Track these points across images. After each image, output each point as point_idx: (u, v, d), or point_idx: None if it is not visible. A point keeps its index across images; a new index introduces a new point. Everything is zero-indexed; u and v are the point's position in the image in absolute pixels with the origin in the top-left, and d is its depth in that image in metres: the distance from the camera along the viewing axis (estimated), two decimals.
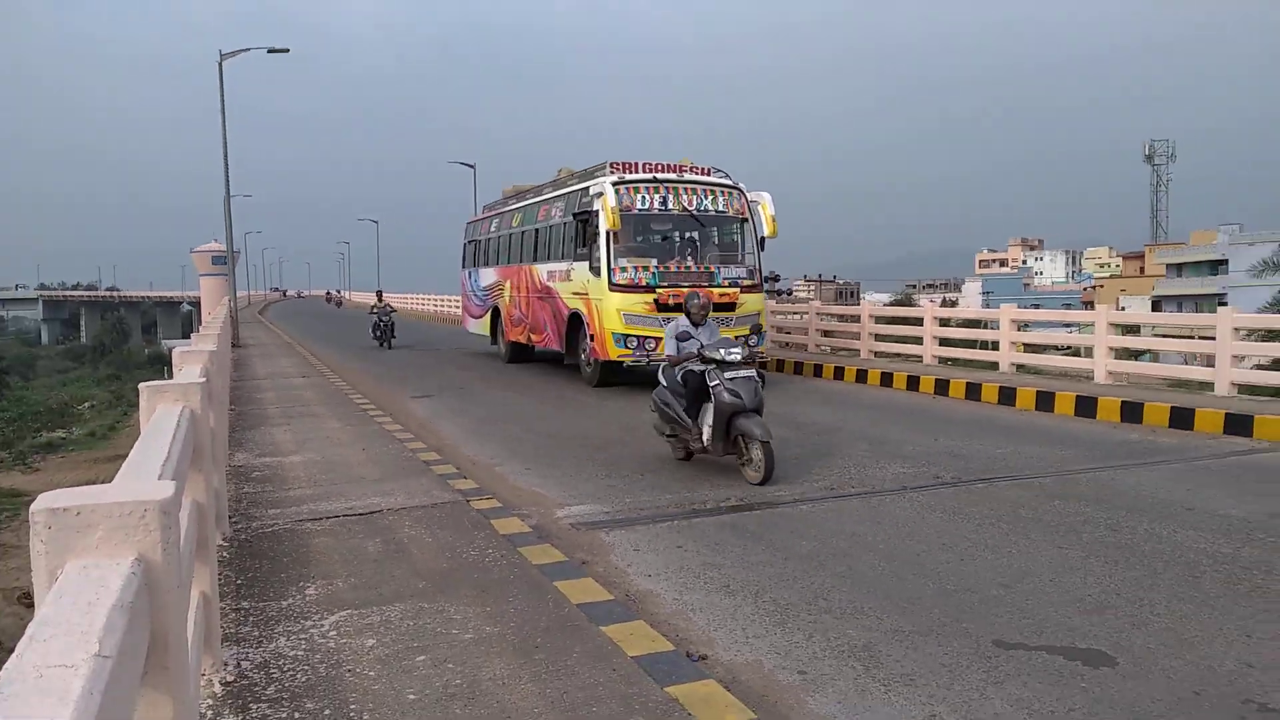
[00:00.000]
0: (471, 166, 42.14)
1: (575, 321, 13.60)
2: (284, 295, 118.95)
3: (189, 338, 11.71)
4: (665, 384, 7.46)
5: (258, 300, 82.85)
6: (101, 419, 28.69)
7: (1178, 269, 59.10)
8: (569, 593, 4.25)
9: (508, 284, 17.00)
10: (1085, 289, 75.72)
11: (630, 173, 13.05)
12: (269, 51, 26.40)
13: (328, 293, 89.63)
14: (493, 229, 18.69)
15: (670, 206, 12.86)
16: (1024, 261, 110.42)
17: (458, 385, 14.26)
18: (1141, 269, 69.55)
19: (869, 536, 5.39)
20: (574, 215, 13.42)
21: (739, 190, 13.37)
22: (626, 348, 12.22)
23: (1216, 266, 53.48)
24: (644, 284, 12.34)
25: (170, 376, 4.89)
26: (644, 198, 12.70)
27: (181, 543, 2.41)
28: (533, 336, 15.80)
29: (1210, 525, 5.48)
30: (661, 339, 11.24)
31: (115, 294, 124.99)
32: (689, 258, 13.01)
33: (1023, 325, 14.06)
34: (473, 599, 4.22)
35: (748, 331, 12.51)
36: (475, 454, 8.16)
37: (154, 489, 1.79)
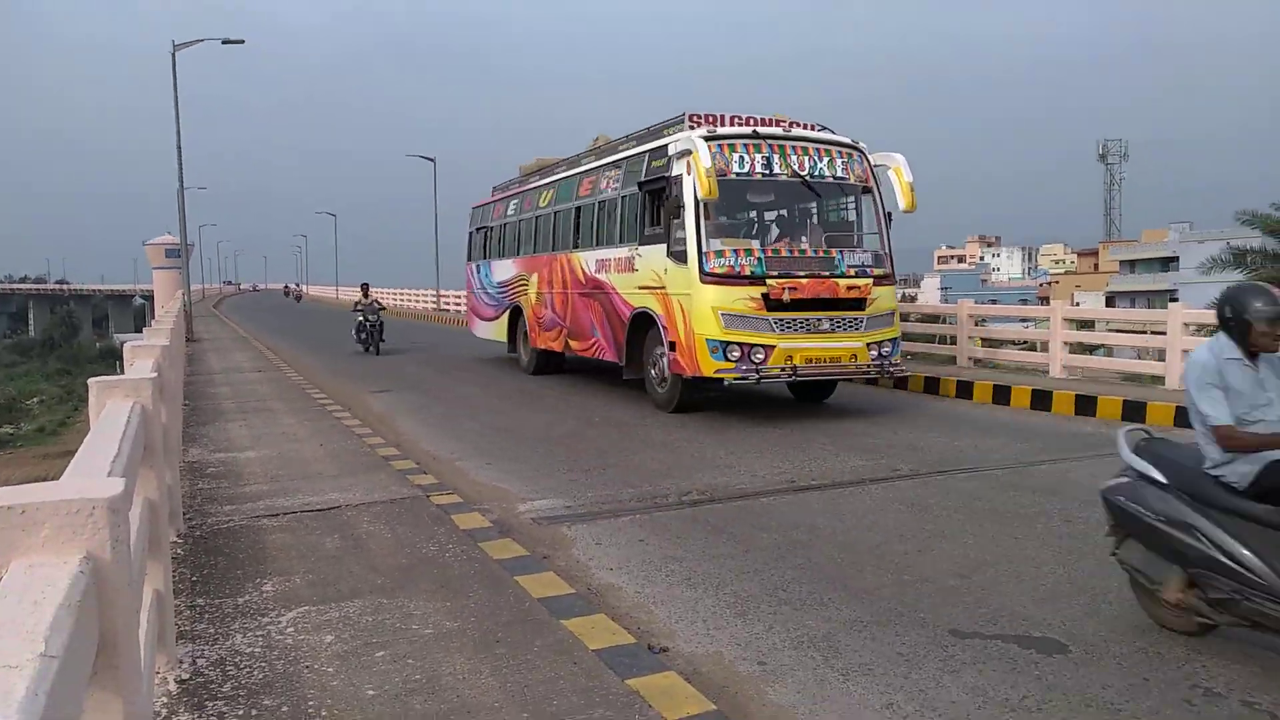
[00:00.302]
0: (431, 160, 41.85)
1: (641, 324, 10.39)
2: (239, 289, 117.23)
3: (141, 332, 11.50)
4: (1173, 483, 3.73)
5: (212, 294, 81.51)
6: (51, 414, 28.07)
7: (1130, 266, 60.35)
8: (530, 587, 4.23)
9: (534, 278, 13.74)
10: (1041, 285, 77.04)
11: (719, 126, 9.97)
12: (223, 43, 26.00)
13: (285, 286, 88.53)
14: (510, 212, 15.29)
15: (776, 170, 9.65)
16: (982, 258, 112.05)
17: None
18: (1096, 266, 70.92)
19: (829, 528, 5.44)
20: (639, 185, 10.41)
21: (860, 152, 10.21)
22: (727, 359, 9.00)
23: (1167, 264, 54.67)
24: (747, 273, 9.19)
25: (122, 371, 4.79)
26: (742, 158, 9.54)
27: (132, 540, 2.37)
28: (573, 344, 12.38)
29: None
30: (775, 347, 9.00)
31: (65, 287, 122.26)
32: (801, 238, 10.17)
33: (980, 320, 14.27)
34: (433, 594, 4.19)
35: (881, 338, 9.61)
36: (435, 449, 8.10)
37: (102, 486, 1.75)
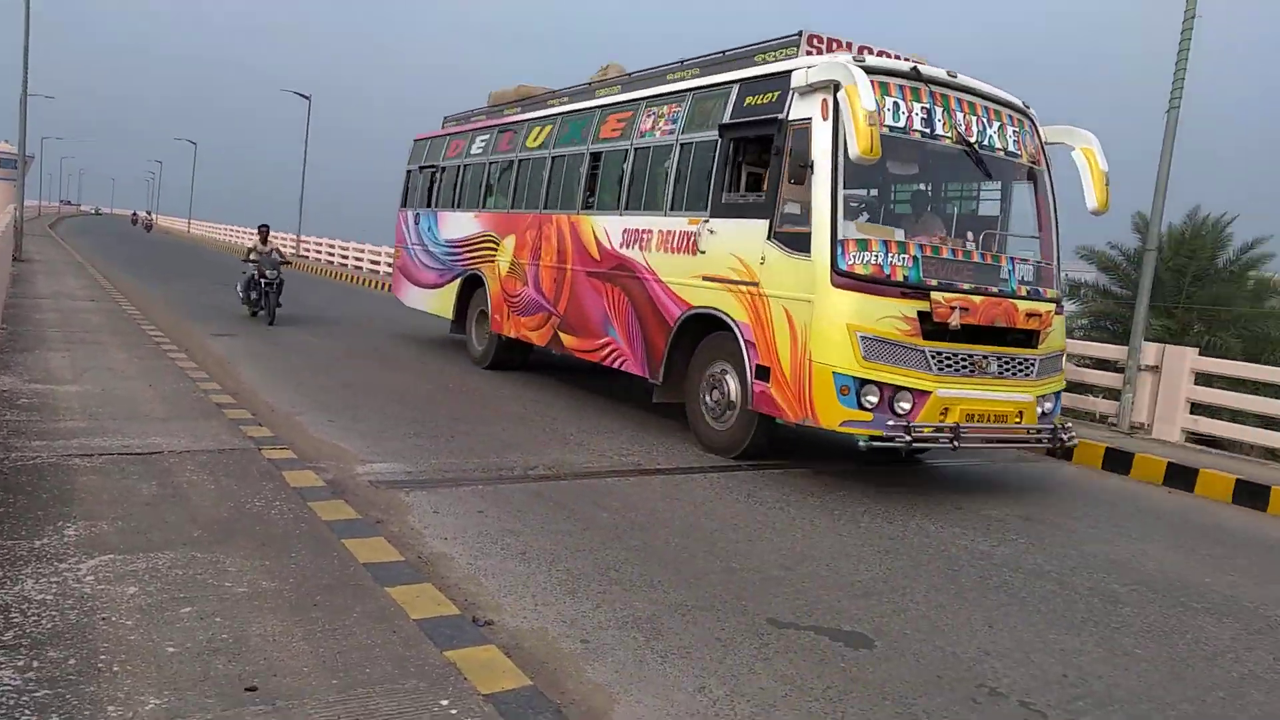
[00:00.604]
0: (307, 97, 40.01)
1: (692, 329, 7.52)
2: (79, 210, 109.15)
3: None
4: None
5: (50, 213, 75.52)
6: None
7: None
8: (357, 551, 4.12)
9: (509, 242, 10.42)
10: None
11: (854, 56, 6.68)
12: None
13: (134, 214, 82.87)
14: (476, 150, 11.80)
15: (938, 130, 6.70)
16: None
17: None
18: None
19: (667, 512, 5.54)
20: (721, 130, 7.37)
21: (1031, 120, 7.38)
22: (861, 406, 6.15)
23: None
24: (899, 279, 6.32)
25: None
26: (897, 107, 6.55)
27: None
28: (568, 340, 9.16)
29: (973, 524, 5.97)
30: (929, 394, 6.22)
31: None
32: (961, 235, 7.18)
33: None
34: (251, 552, 4.02)
35: (1048, 390, 6.95)
36: (275, 401, 7.77)
37: None
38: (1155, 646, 4.14)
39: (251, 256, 14.58)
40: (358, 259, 31.89)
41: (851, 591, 4.46)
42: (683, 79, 8.39)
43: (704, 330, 7.45)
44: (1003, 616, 4.32)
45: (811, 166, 6.44)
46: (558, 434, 7.59)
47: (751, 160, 7.27)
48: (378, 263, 30.13)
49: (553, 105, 10.48)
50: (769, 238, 6.75)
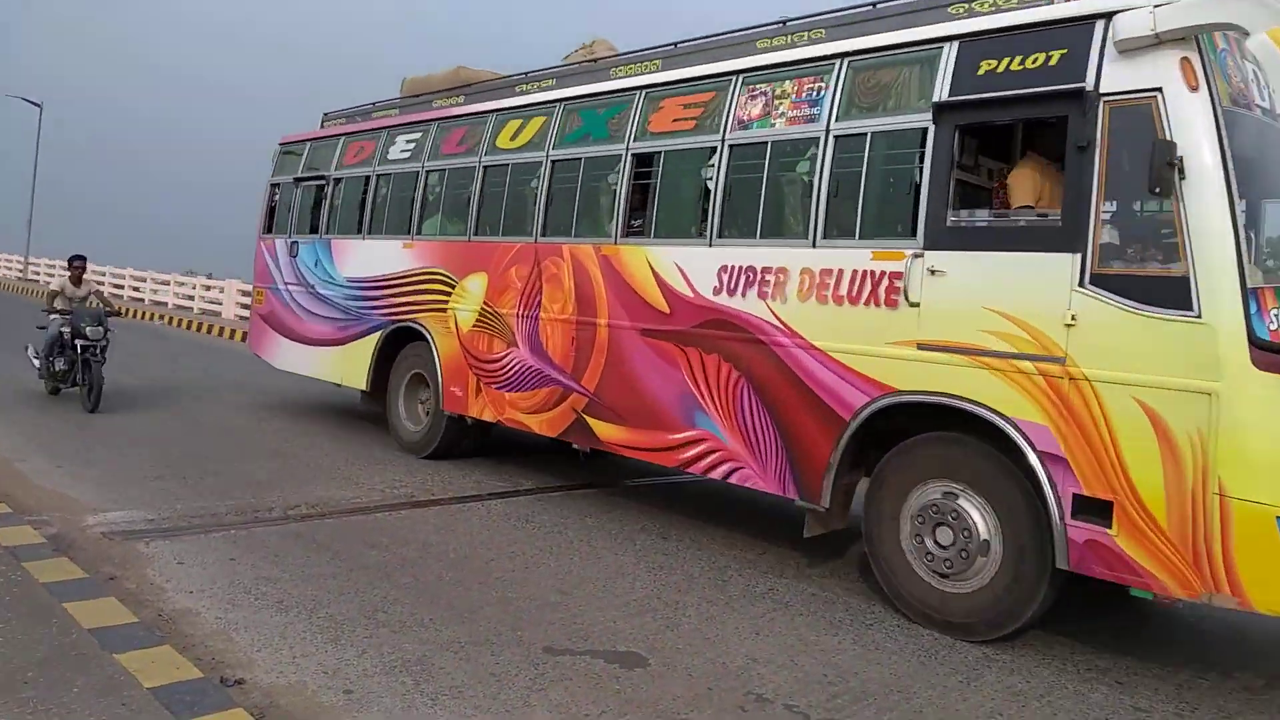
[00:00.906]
0: (38, 105, 36.06)
1: (875, 428, 4.96)
2: None
3: None
4: None
5: None
6: None
7: None
8: (81, 615, 3.69)
9: (474, 283, 7.40)
10: None
11: None
12: None
13: None
14: (397, 155, 8.55)
15: (1275, 105, 4.41)
16: None
17: None
18: None
19: (441, 545, 5.37)
20: (940, 111, 4.73)
21: None
22: None
23: None
24: None
25: None
26: (1248, 71, 4.30)
27: None
28: (610, 431, 6.25)
29: (741, 537, 6.21)
30: None
31: None
32: None
33: None
34: None
35: None
36: None
37: None
38: (904, 639, 4.45)
39: (57, 304, 9.61)
40: (99, 282, 29.07)
41: (627, 610, 4.49)
42: (794, 44, 5.78)
43: (890, 426, 4.94)
44: (768, 624, 4.50)
45: (1180, 168, 3.98)
46: (323, 469, 7.19)
47: (967, 161, 5.03)
48: (121, 286, 27.75)
49: (528, 92, 7.57)
50: (1083, 283, 4.22)
